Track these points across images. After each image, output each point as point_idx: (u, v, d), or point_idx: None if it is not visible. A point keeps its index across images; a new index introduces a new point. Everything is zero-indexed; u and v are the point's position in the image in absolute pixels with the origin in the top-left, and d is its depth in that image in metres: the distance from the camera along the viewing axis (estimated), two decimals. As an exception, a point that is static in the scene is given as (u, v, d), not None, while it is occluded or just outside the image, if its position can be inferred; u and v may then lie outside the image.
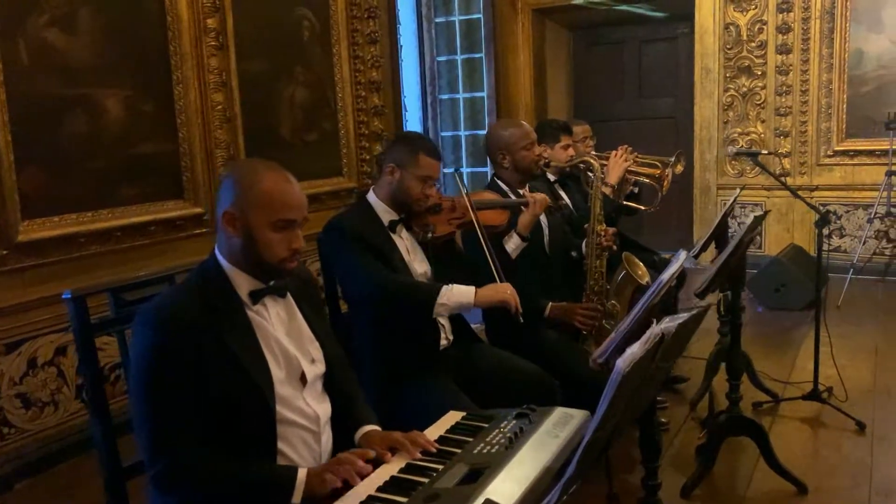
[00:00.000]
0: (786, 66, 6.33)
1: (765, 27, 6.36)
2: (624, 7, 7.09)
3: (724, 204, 6.80)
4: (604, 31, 7.58)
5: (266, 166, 1.74)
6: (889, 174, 5.78)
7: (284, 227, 1.70)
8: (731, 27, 6.50)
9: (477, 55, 7.05)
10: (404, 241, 2.58)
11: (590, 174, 4.19)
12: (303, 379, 1.78)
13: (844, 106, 6.17)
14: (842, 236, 6.36)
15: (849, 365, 4.01)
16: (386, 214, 2.56)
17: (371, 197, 2.59)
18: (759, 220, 3.12)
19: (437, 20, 7.09)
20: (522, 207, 2.95)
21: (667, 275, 2.09)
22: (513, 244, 2.94)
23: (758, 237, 6.65)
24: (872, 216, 5.91)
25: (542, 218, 3.17)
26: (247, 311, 1.72)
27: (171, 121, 3.86)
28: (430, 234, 2.55)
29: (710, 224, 6.80)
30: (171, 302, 1.67)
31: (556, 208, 3.30)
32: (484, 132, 7.19)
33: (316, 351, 1.85)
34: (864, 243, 6.02)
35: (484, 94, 7.11)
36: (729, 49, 6.54)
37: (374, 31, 5.35)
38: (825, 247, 6.42)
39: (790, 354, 4.52)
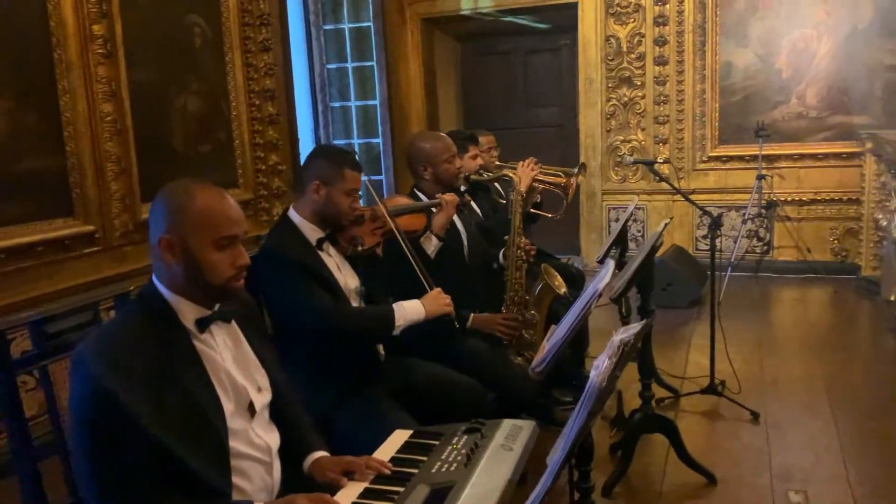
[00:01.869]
0: (663, 76, 6.70)
1: (643, 40, 6.71)
2: (509, 18, 7.27)
3: (609, 208, 7.16)
4: (491, 41, 7.74)
5: (196, 184, 1.65)
6: (759, 178, 6.23)
7: (227, 244, 1.62)
8: (612, 39, 6.81)
9: (368, 63, 7.02)
10: (333, 258, 2.53)
11: (499, 189, 4.30)
12: (251, 409, 1.71)
13: (717, 114, 6.61)
14: (718, 236, 6.78)
15: (737, 358, 4.28)
16: (312, 233, 2.49)
17: (294, 216, 2.51)
18: (665, 227, 3.30)
19: (326, 27, 7.00)
20: (434, 209, 3.00)
21: (601, 284, 2.17)
22: (432, 245, 3.00)
23: (639, 237, 7.01)
24: (745, 217, 6.35)
25: (461, 228, 3.21)
26: (194, 341, 1.63)
27: (57, 133, 3.60)
28: (359, 248, 2.52)
29: (596, 227, 7.18)
30: (114, 339, 1.54)
31: (465, 204, 3.35)
32: (377, 140, 7.18)
33: (262, 378, 1.78)
34: (738, 242, 6.46)
35: (377, 102, 7.08)
36: (610, 60, 6.85)
37: (267, 39, 5.22)
38: (704, 247, 6.86)
39: (682, 350, 4.79)
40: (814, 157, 6.38)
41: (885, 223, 5.45)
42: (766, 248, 6.60)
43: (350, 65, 7.03)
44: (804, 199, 6.44)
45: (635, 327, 1.65)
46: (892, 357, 4.63)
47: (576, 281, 4.39)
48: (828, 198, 6.38)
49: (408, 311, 2.43)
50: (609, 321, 4.03)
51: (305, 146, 6.74)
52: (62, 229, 3.63)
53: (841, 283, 6.11)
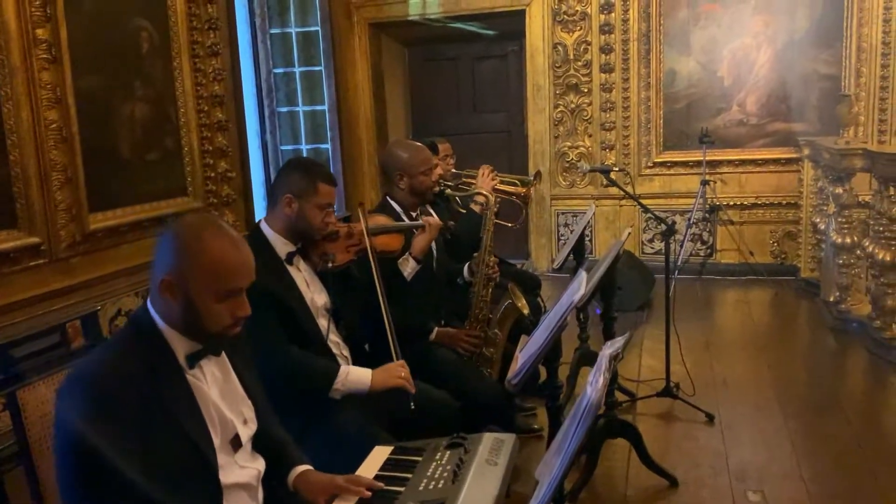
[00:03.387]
0: (609, 83, 6.83)
1: (589, 47, 6.83)
2: (457, 24, 7.30)
3: (558, 213, 7.26)
4: (438, 47, 7.75)
5: (213, 230, 1.59)
6: (703, 183, 6.41)
7: (230, 296, 1.58)
8: (560, 47, 6.90)
9: (316, 68, 6.94)
10: (302, 273, 2.48)
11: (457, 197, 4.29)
12: (236, 442, 1.67)
13: (661, 121, 6.77)
14: (674, 229, 6.95)
15: (688, 360, 4.38)
16: (283, 247, 2.44)
17: (265, 229, 2.46)
18: (628, 236, 3.35)
19: (273, 31, 6.89)
20: (415, 230, 2.96)
21: (577, 296, 2.19)
22: (409, 268, 2.94)
23: (588, 242, 7.13)
24: (690, 221, 6.52)
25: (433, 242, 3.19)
26: (185, 374, 1.58)
27: (0, 142, 3.44)
28: (329, 264, 2.48)
29: (546, 232, 7.26)
30: (105, 372, 1.48)
31: (448, 229, 3.32)
32: (326, 145, 7.11)
33: (248, 410, 1.75)
34: (683, 246, 6.62)
35: (325, 107, 7.00)
36: (558, 67, 6.94)
37: (216, 44, 5.10)
38: (651, 250, 7.02)
39: (635, 354, 4.87)
40: (754, 162, 6.61)
41: (822, 227, 5.68)
42: (709, 251, 6.79)
43: (297, 69, 6.93)
44: (746, 203, 6.66)
45: (620, 341, 1.68)
46: (832, 356, 4.82)
47: (532, 286, 4.43)
48: (768, 202, 6.61)
49: (352, 379, 2.36)
50: (573, 326, 4.08)
51: (252, 154, 6.63)
52: (6, 242, 3.47)
53: (782, 285, 6.33)
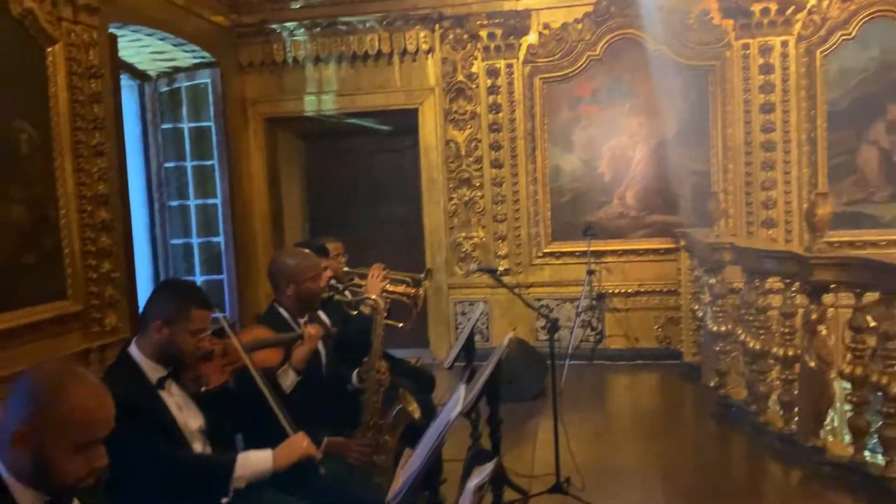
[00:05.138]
0: (499, 178, 7.12)
1: (480, 144, 7.12)
2: (353, 120, 7.48)
3: (455, 302, 7.36)
4: (336, 140, 7.89)
5: (72, 378, 1.54)
6: (589, 272, 6.69)
7: (89, 446, 1.53)
8: (452, 143, 7.17)
9: (208, 162, 6.91)
10: (174, 397, 2.40)
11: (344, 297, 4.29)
12: None
13: (549, 213, 7.08)
14: (558, 325, 7.15)
15: (580, 450, 4.45)
16: (153, 371, 2.37)
17: (134, 353, 2.39)
18: (509, 341, 3.45)
19: (165, 126, 6.85)
20: (298, 341, 2.94)
21: (454, 413, 2.23)
22: (289, 380, 2.89)
23: (484, 329, 7.25)
24: (578, 309, 6.75)
25: (321, 347, 3.17)
26: None
27: None
28: (203, 387, 2.42)
29: (444, 321, 7.33)
30: None
31: (329, 336, 3.31)
32: (218, 238, 7.01)
33: None
34: (573, 333, 6.83)
35: (217, 200, 6.95)
36: (451, 162, 7.19)
37: (101, 143, 5.02)
38: (544, 337, 7.17)
39: (529, 446, 4.93)
40: (636, 252, 6.97)
41: (700, 314, 6.00)
42: (599, 337, 7.02)
43: (189, 164, 6.88)
44: (629, 290, 6.97)
45: (487, 468, 1.71)
46: (715, 441, 5.02)
47: (427, 384, 4.44)
48: (650, 289, 6.95)
49: (252, 462, 2.30)
50: (462, 433, 4.09)
51: (140, 248, 6.47)
52: None
53: (667, 369, 6.60)
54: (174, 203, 6.97)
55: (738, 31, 6.64)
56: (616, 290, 6.95)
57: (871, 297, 3.89)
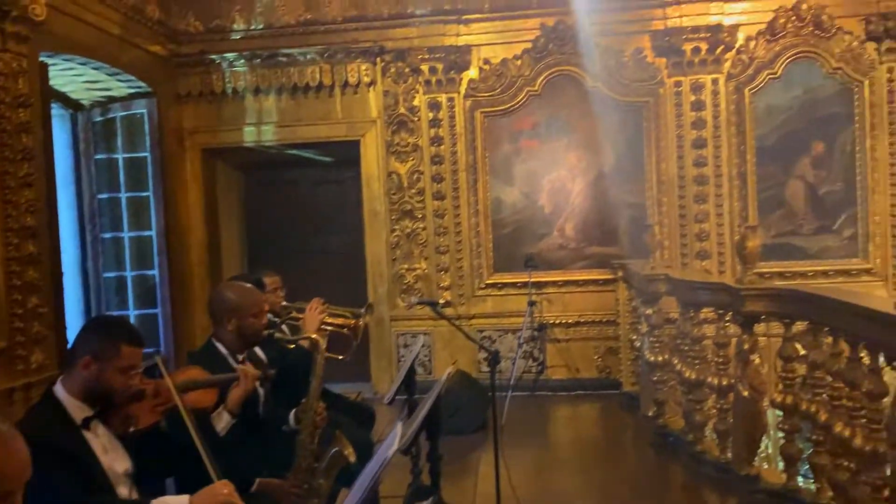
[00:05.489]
0: (441, 210, 7.15)
1: (422, 176, 7.15)
2: (294, 151, 7.44)
3: (398, 335, 7.31)
4: (276, 171, 7.83)
5: None
6: (530, 303, 6.74)
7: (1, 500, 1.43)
8: (394, 175, 7.18)
9: (143, 193, 6.75)
10: (100, 439, 2.30)
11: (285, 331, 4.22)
12: None
13: (491, 245, 7.14)
14: (500, 357, 7.15)
15: (521, 483, 4.44)
16: (78, 411, 2.27)
17: (60, 392, 2.28)
18: (448, 375, 3.43)
19: (98, 157, 6.67)
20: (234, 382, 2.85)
21: (389, 452, 2.19)
22: (223, 422, 2.81)
23: (427, 361, 7.22)
24: (520, 340, 6.78)
25: (257, 386, 3.09)
26: None
27: None
28: (132, 428, 2.33)
29: (386, 354, 7.27)
30: None
31: (267, 378, 3.23)
32: (153, 271, 6.83)
33: None
34: (515, 364, 6.85)
35: (152, 232, 6.78)
36: (393, 194, 7.19)
37: (29, 174, 4.86)
38: (487, 369, 7.15)
39: (470, 480, 4.89)
40: (576, 283, 7.06)
41: (638, 344, 6.09)
42: (540, 367, 7.06)
43: (124, 195, 6.71)
44: (570, 321, 7.05)
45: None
46: (653, 472, 5.07)
47: (366, 419, 4.38)
48: (590, 320, 7.04)
49: None
50: (402, 469, 4.03)
51: (71, 282, 6.26)
52: None
53: (607, 399, 6.66)
54: (107, 235, 6.78)
55: (671, 69, 6.88)
56: (557, 321, 7.02)
57: (800, 326, 4.02)
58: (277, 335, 3.55)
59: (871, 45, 6.70)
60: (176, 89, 7.11)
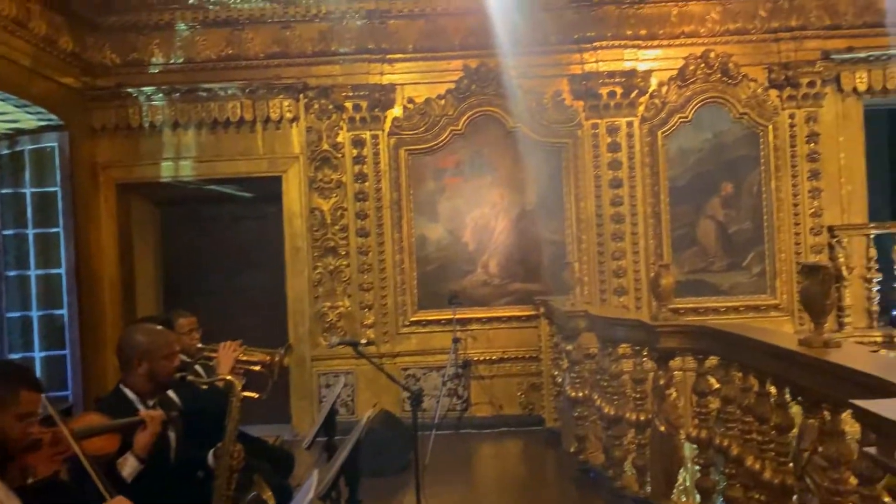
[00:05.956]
0: (365, 247, 7.12)
1: (345, 213, 7.13)
2: (214, 187, 7.29)
3: (319, 374, 7.18)
4: (196, 207, 7.66)
5: None
6: (455, 340, 6.75)
7: None
8: (317, 211, 7.12)
9: (53, 229, 6.47)
10: (-4, 492, 2.17)
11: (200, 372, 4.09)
12: None
13: (415, 282, 7.14)
14: (422, 396, 7.11)
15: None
16: (-29, 463, 2.14)
17: (-49, 444, 2.15)
18: (371, 419, 3.38)
19: (4, 191, 6.38)
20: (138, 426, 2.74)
21: (306, 500, 2.13)
22: (129, 468, 2.69)
23: (349, 401, 7.11)
24: (444, 377, 6.77)
25: (169, 430, 2.97)
26: None
27: None
28: (30, 479, 2.19)
29: (307, 394, 7.12)
30: None
31: (174, 420, 3.11)
32: (61, 311, 6.54)
33: None
34: (439, 402, 6.82)
35: (62, 270, 6.50)
36: (316, 231, 7.13)
37: (-74, 209, 4.60)
38: (410, 408, 7.10)
39: (394, 522, 4.81)
40: (499, 319, 7.12)
41: (560, 380, 6.16)
42: (464, 405, 7.05)
43: (31, 231, 6.43)
44: (494, 357, 7.09)
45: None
46: (576, 507, 5.12)
47: (286, 466, 4.26)
48: (513, 356, 7.10)
49: None
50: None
51: (-29, 323, 5.92)
52: None
53: (530, 436, 6.70)
54: (12, 273, 6.47)
55: (588, 111, 7.11)
56: (481, 358, 7.05)
57: (713, 361, 4.14)
58: (190, 377, 3.43)
59: (773, 93, 7.11)
60: (90, 122, 6.90)
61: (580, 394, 5.53)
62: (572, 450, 5.63)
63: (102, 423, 2.66)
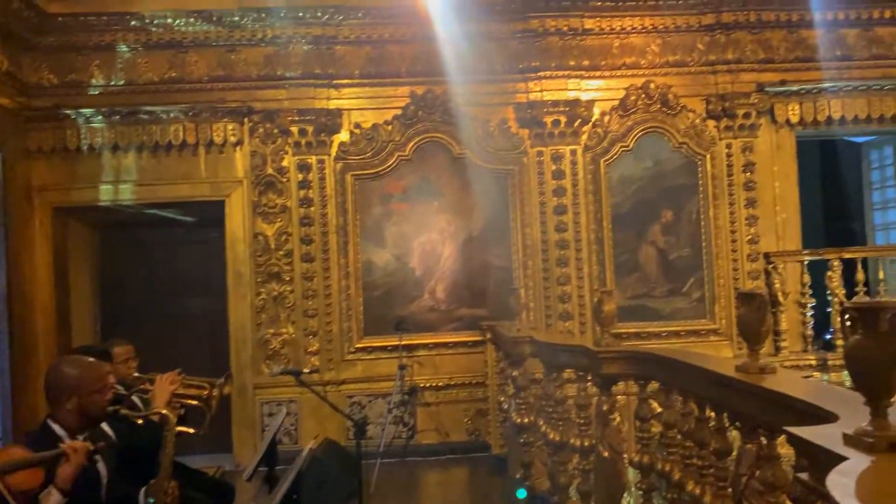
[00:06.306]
0: (310, 273, 7.04)
1: (290, 238, 7.04)
2: (154, 211, 7.13)
3: (262, 403, 7.04)
4: (135, 232, 7.49)
5: None
6: (401, 367, 6.70)
7: None
8: (260, 236, 7.02)
9: (-17, 254, 6.23)
10: None
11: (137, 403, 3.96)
12: None
13: (361, 308, 7.07)
14: (367, 424, 7.03)
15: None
16: None
17: None
18: (314, 450, 3.32)
19: (-69, 214, 6.12)
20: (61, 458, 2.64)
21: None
22: (52, 502, 2.58)
23: (293, 431, 6.97)
24: (390, 405, 6.70)
25: (100, 464, 2.87)
26: None
27: None
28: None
29: (249, 423, 6.97)
30: None
31: (102, 453, 3.00)
32: (-9, 340, 6.26)
33: None
34: (384, 430, 6.74)
35: (-8, 296, 6.25)
36: (259, 256, 7.02)
37: None
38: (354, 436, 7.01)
39: (337, 555, 4.70)
40: (446, 345, 7.11)
41: (506, 406, 6.16)
42: (410, 432, 6.99)
43: (-41, 256, 6.17)
44: (440, 384, 7.06)
45: None
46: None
47: (226, 499, 4.15)
48: (460, 382, 7.08)
49: None
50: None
51: None
52: None
53: (476, 462, 6.66)
54: (-63, 299, 6.17)
55: (533, 139, 7.22)
56: (428, 384, 7.01)
57: (655, 386, 4.20)
58: (124, 411, 3.32)
59: (711, 123, 7.34)
60: (25, 144, 6.70)
61: (526, 420, 5.53)
62: (518, 476, 5.62)
63: (24, 457, 2.56)
